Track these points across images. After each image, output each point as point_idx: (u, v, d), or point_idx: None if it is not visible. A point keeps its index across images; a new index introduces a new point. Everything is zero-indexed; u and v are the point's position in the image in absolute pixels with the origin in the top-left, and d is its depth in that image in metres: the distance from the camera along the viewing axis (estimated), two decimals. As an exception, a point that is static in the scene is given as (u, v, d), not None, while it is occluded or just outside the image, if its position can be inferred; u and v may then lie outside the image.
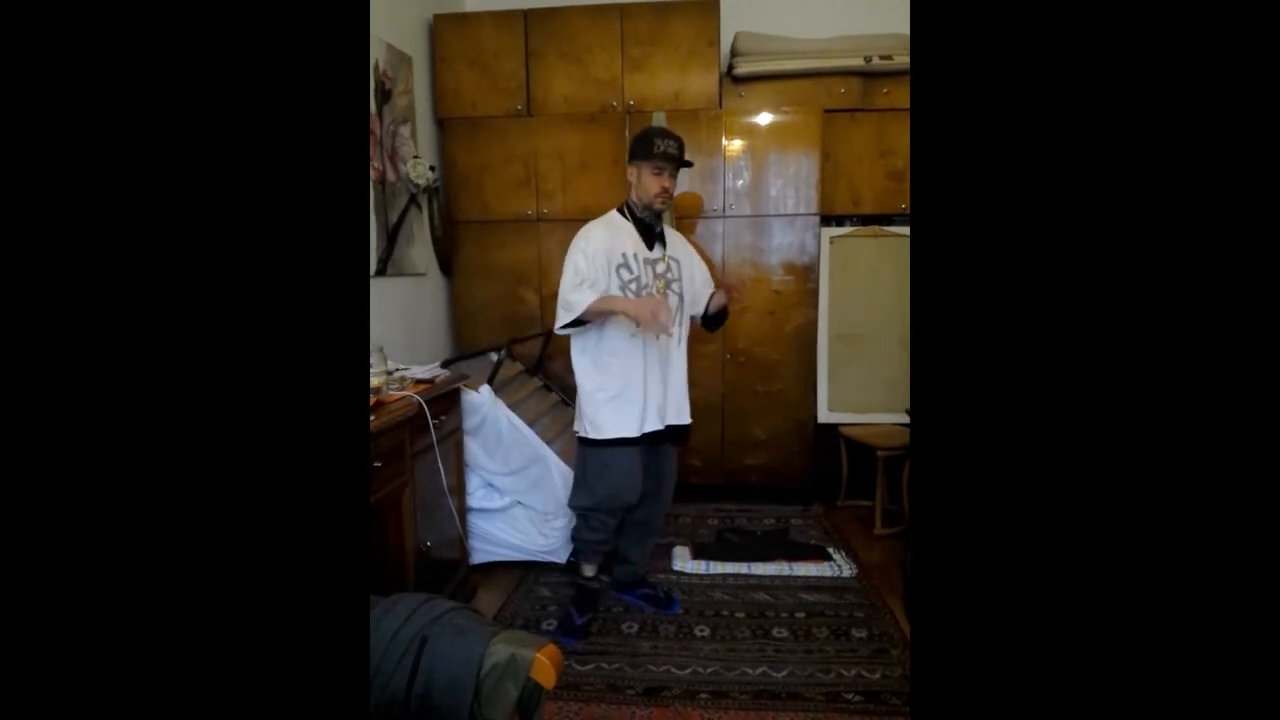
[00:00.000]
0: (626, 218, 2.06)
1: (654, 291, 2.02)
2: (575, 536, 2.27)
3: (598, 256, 1.96)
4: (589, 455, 2.10)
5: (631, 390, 2.02)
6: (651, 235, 2.05)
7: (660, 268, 2.05)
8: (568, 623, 2.13)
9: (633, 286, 1.99)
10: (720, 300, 2.16)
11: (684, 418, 2.15)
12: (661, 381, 2.06)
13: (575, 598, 2.22)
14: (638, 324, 1.90)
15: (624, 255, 1.99)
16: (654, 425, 2.07)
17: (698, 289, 2.16)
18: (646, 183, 2.00)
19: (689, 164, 2.04)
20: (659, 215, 2.05)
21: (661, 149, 1.96)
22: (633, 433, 2.03)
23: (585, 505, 2.15)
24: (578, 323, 1.93)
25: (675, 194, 2.08)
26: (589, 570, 2.24)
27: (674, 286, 2.07)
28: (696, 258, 2.20)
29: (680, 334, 2.11)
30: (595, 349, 2.04)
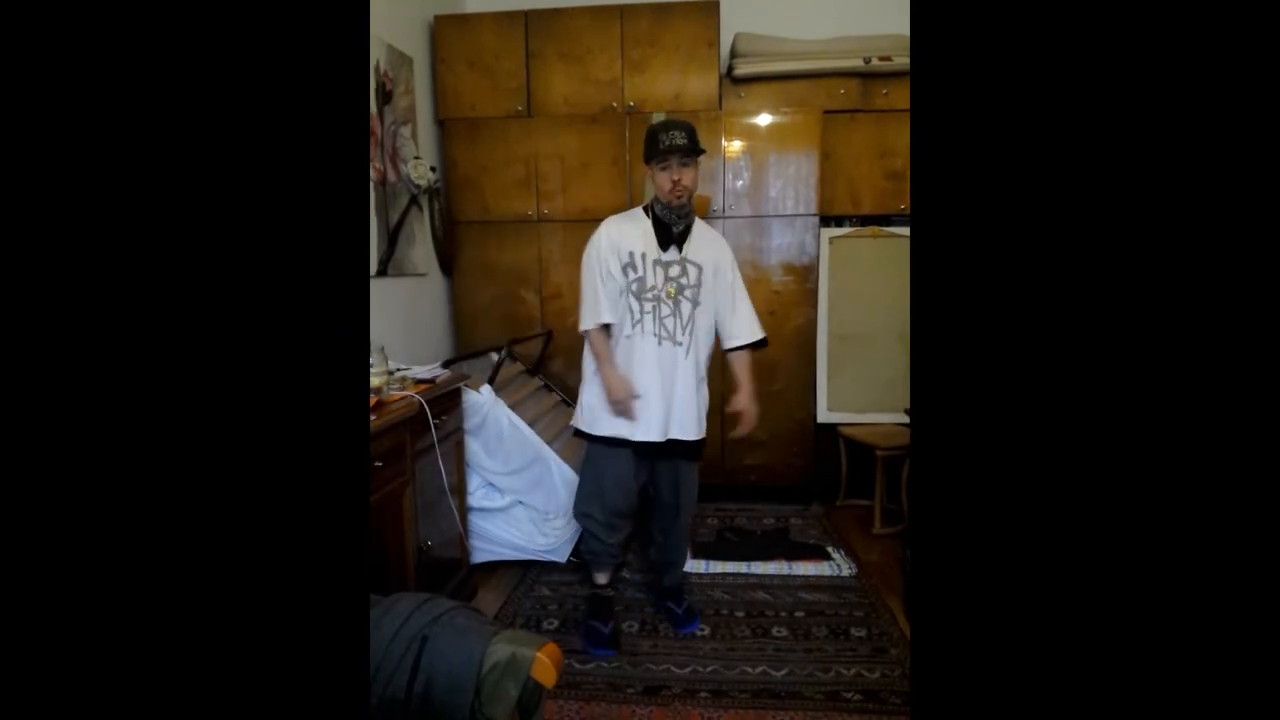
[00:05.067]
0: (648, 215, 2.02)
1: (661, 295, 1.97)
2: (582, 550, 2.26)
3: (608, 261, 1.98)
4: (591, 451, 2.11)
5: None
6: (669, 236, 1.99)
7: (674, 270, 1.99)
8: (595, 636, 2.06)
9: (635, 287, 1.97)
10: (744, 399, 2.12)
11: (688, 433, 2.04)
12: (664, 394, 1.99)
13: (590, 609, 2.16)
14: (610, 390, 1.98)
15: (630, 254, 1.97)
16: (653, 435, 1.99)
17: (719, 298, 2.05)
18: (659, 180, 1.94)
19: (700, 150, 1.94)
20: (680, 215, 1.98)
21: (666, 143, 1.90)
22: (625, 435, 2.01)
23: (586, 511, 2.12)
24: None
25: (692, 185, 1.94)
26: (601, 579, 2.19)
27: (686, 293, 1.99)
28: (727, 267, 2.06)
29: (690, 344, 2.00)
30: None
